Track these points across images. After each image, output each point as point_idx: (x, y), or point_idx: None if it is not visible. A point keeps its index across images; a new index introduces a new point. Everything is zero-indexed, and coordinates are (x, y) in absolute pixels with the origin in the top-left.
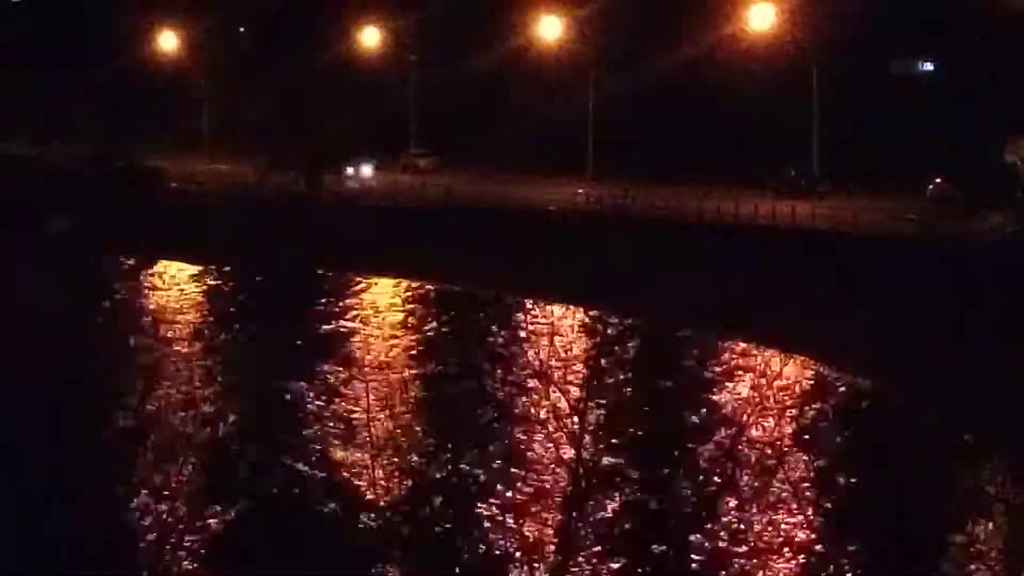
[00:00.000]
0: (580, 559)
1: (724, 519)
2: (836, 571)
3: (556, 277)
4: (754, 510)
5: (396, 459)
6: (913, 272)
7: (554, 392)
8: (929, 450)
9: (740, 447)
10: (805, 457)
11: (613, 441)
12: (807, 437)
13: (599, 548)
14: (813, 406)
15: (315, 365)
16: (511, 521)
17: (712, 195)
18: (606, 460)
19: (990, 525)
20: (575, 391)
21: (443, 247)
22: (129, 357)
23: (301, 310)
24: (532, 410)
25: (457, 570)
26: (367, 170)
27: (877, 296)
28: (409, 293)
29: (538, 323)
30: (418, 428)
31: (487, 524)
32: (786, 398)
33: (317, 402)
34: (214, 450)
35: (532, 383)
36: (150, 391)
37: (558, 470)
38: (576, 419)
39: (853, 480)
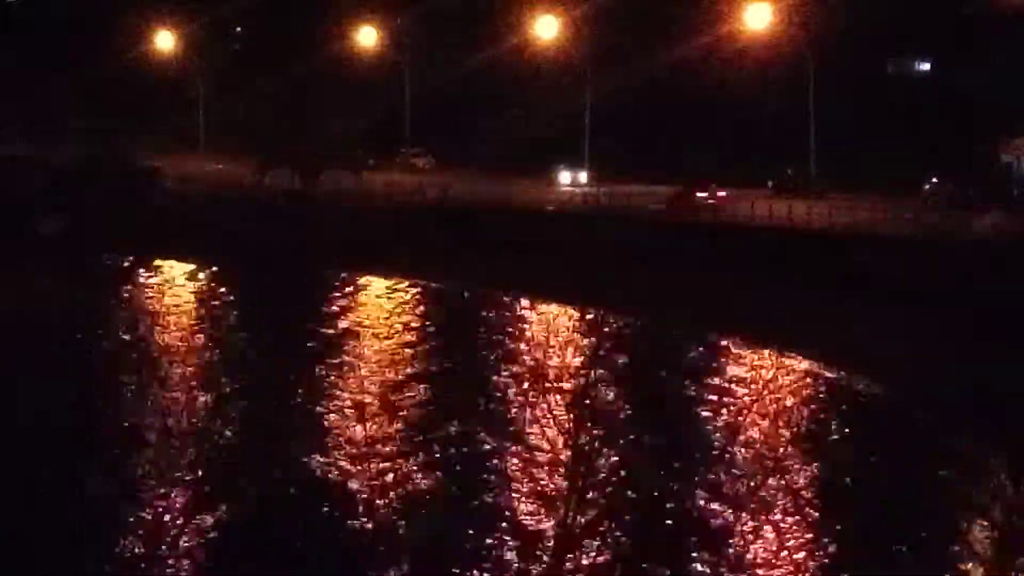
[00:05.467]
0: (577, 559)
1: (721, 520)
2: (834, 573)
3: (553, 276)
4: (751, 511)
5: (392, 459)
6: (910, 271)
7: (551, 391)
8: (927, 450)
9: (737, 447)
10: (802, 457)
11: (609, 441)
12: (804, 437)
13: (596, 548)
14: (810, 406)
15: (311, 364)
16: (507, 521)
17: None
18: (602, 460)
19: (989, 525)
20: (571, 390)
21: (440, 246)
22: (125, 356)
23: (297, 309)
24: (529, 409)
25: (455, 571)
26: (583, 176)
27: (874, 296)
28: (406, 292)
29: (535, 322)
30: (414, 428)
31: (483, 524)
32: (784, 398)
33: (314, 402)
34: (211, 450)
35: (529, 382)
36: (146, 391)
37: (554, 470)
38: (572, 418)
39: (851, 480)
